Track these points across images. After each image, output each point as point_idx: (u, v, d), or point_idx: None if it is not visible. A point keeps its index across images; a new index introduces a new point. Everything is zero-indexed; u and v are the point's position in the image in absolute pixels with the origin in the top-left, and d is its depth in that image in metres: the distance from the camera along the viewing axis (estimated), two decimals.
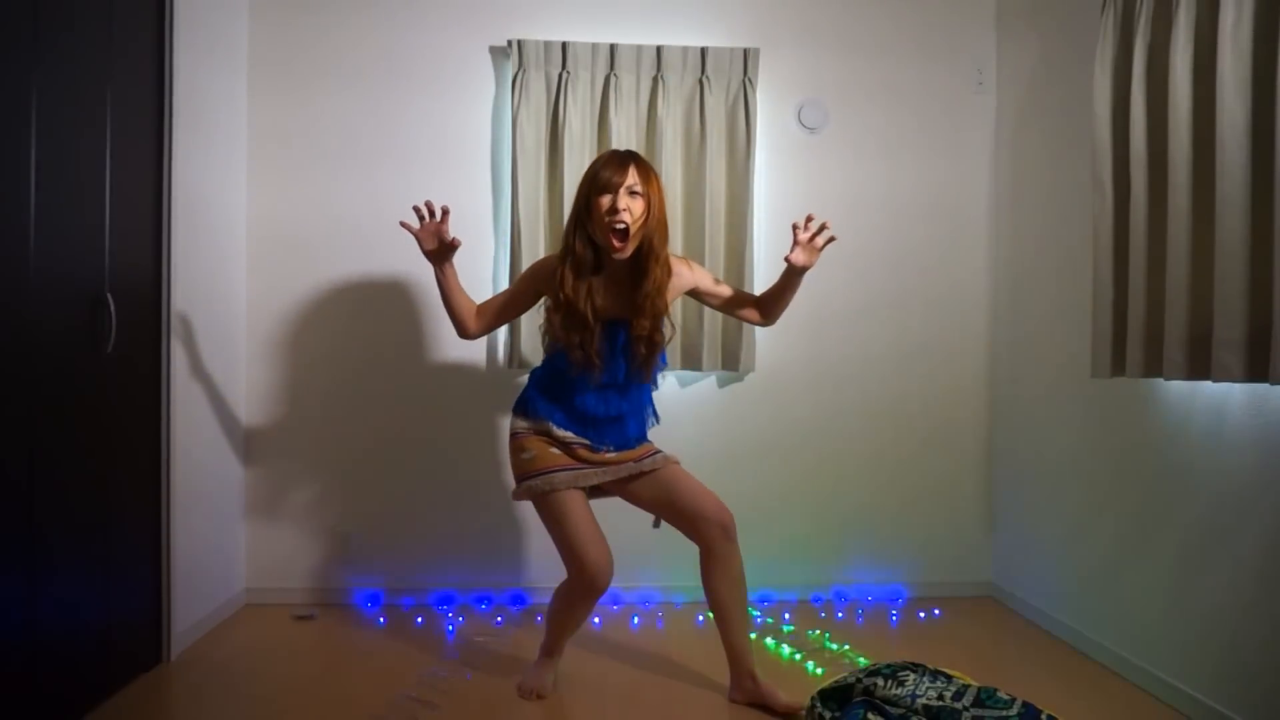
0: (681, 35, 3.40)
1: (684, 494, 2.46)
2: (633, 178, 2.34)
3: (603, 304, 2.39)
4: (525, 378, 3.35)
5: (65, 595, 2.23)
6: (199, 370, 2.95)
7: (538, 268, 2.52)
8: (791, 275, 2.48)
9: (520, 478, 2.46)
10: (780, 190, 3.46)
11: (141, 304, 2.60)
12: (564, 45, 3.25)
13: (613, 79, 3.26)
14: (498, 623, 3.16)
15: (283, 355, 3.34)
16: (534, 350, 3.26)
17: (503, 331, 3.34)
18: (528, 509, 3.33)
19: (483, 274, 3.37)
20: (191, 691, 2.55)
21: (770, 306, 2.58)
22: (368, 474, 3.36)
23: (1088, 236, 2.76)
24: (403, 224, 2.40)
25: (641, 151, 3.29)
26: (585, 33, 3.37)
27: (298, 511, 3.34)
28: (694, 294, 2.59)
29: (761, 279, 3.34)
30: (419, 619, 3.18)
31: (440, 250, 2.38)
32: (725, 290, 2.60)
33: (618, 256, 2.35)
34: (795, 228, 2.43)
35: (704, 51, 3.30)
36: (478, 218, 3.38)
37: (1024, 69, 3.34)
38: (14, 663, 2.04)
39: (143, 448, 2.64)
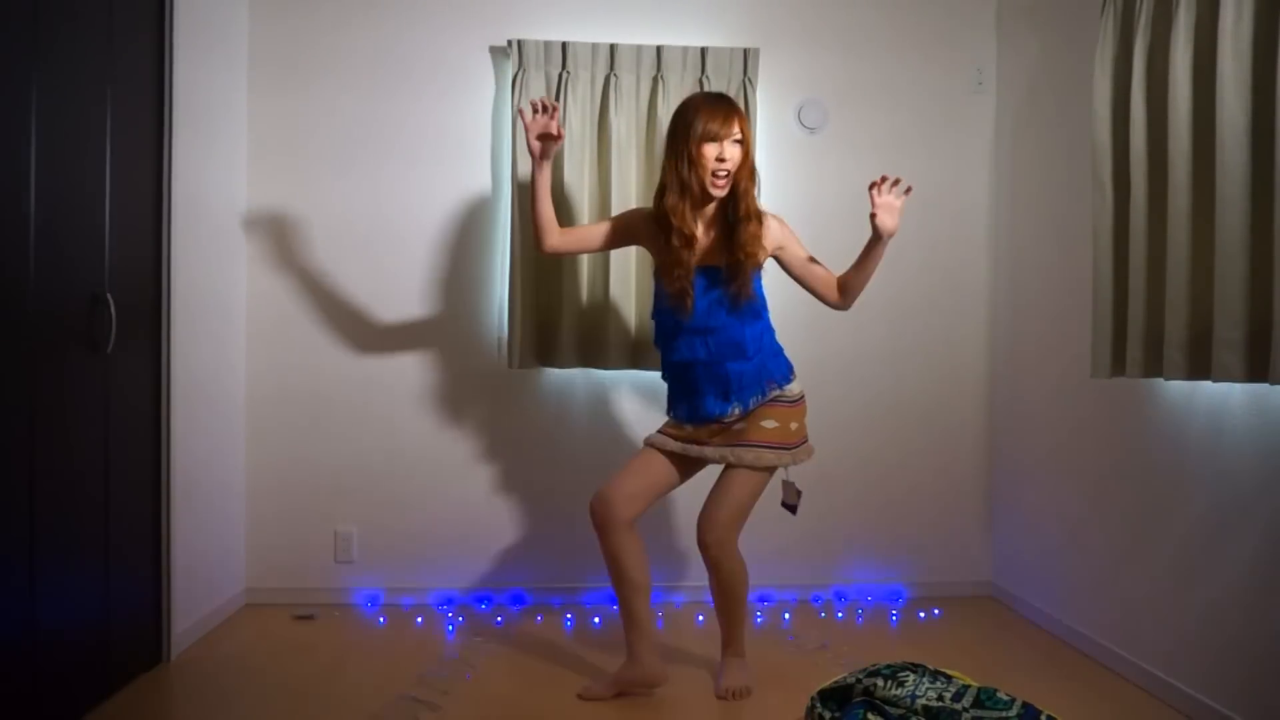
0: (681, 35, 3.39)
1: (708, 498, 2.56)
2: (736, 129, 2.46)
3: (700, 246, 2.52)
4: (528, 377, 3.37)
5: (65, 595, 2.23)
6: (199, 370, 2.95)
7: (634, 215, 2.66)
8: (874, 246, 2.49)
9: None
10: (780, 190, 3.45)
11: (141, 304, 2.60)
12: (564, 45, 3.25)
13: (613, 79, 3.26)
14: (498, 623, 3.16)
15: (283, 355, 3.34)
16: (533, 351, 3.26)
17: (503, 332, 3.33)
18: (526, 510, 3.36)
19: (483, 274, 3.37)
20: (191, 691, 2.55)
21: (851, 283, 2.57)
22: (368, 474, 3.36)
23: (1088, 236, 2.76)
24: (519, 110, 2.59)
25: (641, 152, 3.30)
26: (585, 33, 3.36)
27: (298, 512, 3.34)
28: (778, 255, 2.61)
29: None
30: (419, 619, 3.18)
31: (545, 140, 2.50)
32: (806, 256, 2.61)
33: (716, 194, 2.47)
34: (873, 187, 2.46)
35: (704, 51, 3.30)
36: (478, 218, 3.38)
37: (1024, 69, 3.34)
38: (14, 662, 2.04)
39: (143, 448, 2.64)
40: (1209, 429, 2.38)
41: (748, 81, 3.31)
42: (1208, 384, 2.34)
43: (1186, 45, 2.27)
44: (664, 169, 2.53)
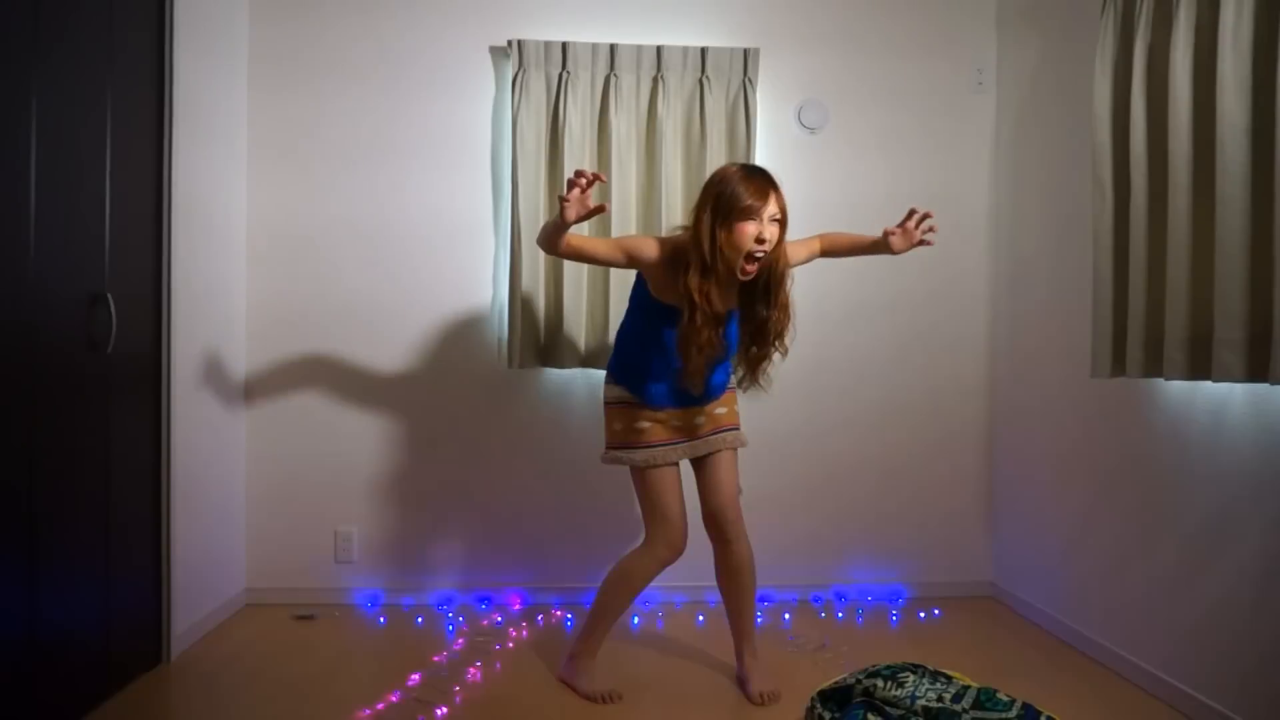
0: (681, 35, 3.40)
1: (709, 484, 2.54)
2: (774, 205, 2.27)
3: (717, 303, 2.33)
4: (528, 377, 3.36)
5: (65, 596, 2.23)
6: (199, 370, 2.95)
7: (648, 251, 2.35)
8: (877, 250, 2.58)
9: (614, 446, 2.53)
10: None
11: (141, 304, 2.60)
12: (564, 45, 3.25)
13: (613, 79, 3.26)
14: (498, 622, 3.16)
15: (283, 355, 3.34)
16: (533, 351, 3.26)
17: (503, 332, 3.34)
18: (526, 510, 3.35)
19: (483, 274, 3.37)
20: (191, 692, 2.55)
21: (835, 251, 2.64)
22: (368, 474, 3.36)
23: (1088, 236, 2.76)
24: (560, 198, 2.18)
25: (641, 151, 3.30)
26: (585, 33, 3.37)
27: (298, 511, 3.34)
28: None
29: None
30: (419, 619, 3.18)
31: (581, 216, 2.19)
32: (801, 255, 2.56)
33: (743, 279, 2.31)
34: (912, 212, 2.52)
35: (704, 51, 3.30)
36: (478, 218, 3.38)
37: (1024, 69, 3.34)
38: (14, 663, 2.04)
39: (143, 448, 2.64)
40: (1209, 429, 2.38)
41: (748, 81, 3.31)
42: (1208, 384, 2.34)
43: (1186, 45, 2.27)
44: (693, 228, 2.30)
